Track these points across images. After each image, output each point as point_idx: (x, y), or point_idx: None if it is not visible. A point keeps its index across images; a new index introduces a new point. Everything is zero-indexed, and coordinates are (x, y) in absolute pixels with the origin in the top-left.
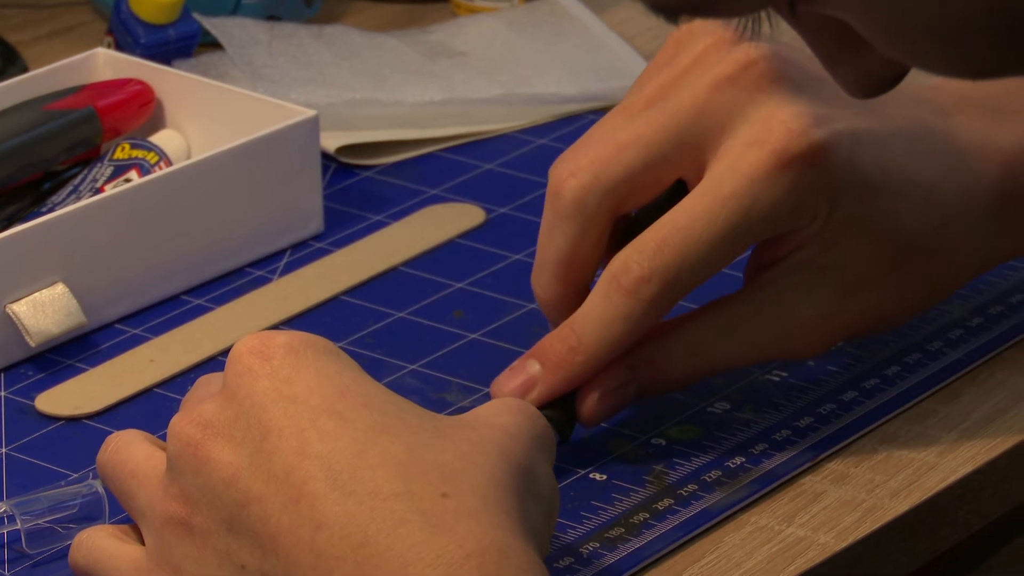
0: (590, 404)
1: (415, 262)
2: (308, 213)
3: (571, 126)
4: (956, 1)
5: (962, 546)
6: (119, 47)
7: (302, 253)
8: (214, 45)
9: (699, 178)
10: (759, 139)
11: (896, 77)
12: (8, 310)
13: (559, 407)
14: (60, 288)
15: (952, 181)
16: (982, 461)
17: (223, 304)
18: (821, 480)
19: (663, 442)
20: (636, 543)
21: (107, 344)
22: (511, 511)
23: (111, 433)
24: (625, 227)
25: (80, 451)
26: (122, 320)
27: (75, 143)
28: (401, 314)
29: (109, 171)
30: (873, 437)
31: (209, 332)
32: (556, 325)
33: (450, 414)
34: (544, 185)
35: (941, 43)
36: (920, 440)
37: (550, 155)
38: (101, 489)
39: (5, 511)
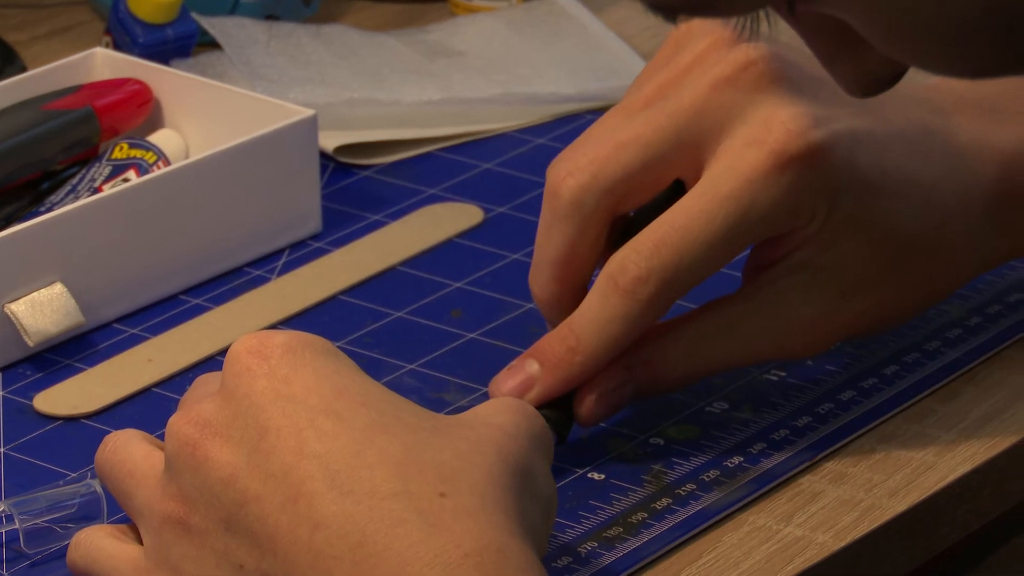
0: (588, 404)
1: (413, 262)
2: (306, 213)
3: (569, 126)
4: (955, 0)
5: (961, 545)
6: (117, 47)
7: (300, 253)
8: (212, 45)
9: (698, 178)
10: (758, 139)
11: (895, 76)
12: (6, 310)
13: (557, 407)
14: (58, 288)
15: (951, 181)
16: (981, 460)
17: (221, 304)
18: (819, 480)
19: (661, 442)
20: (634, 543)
21: (105, 344)
22: (509, 511)
23: (109, 433)
24: (623, 227)
25: (78, 451)
26: (120, 320)
27: (73, 143)
28: (399, 314)
29: (107, 171)
30: (871, 437)
31: (207, 332)
32: (554, 325)
33: (448, 413)
34: (542, 185)
35: (940, 42)
36: (919, 439)
37: (548, 155)
38: (99, 489)
39: (3, 511)
